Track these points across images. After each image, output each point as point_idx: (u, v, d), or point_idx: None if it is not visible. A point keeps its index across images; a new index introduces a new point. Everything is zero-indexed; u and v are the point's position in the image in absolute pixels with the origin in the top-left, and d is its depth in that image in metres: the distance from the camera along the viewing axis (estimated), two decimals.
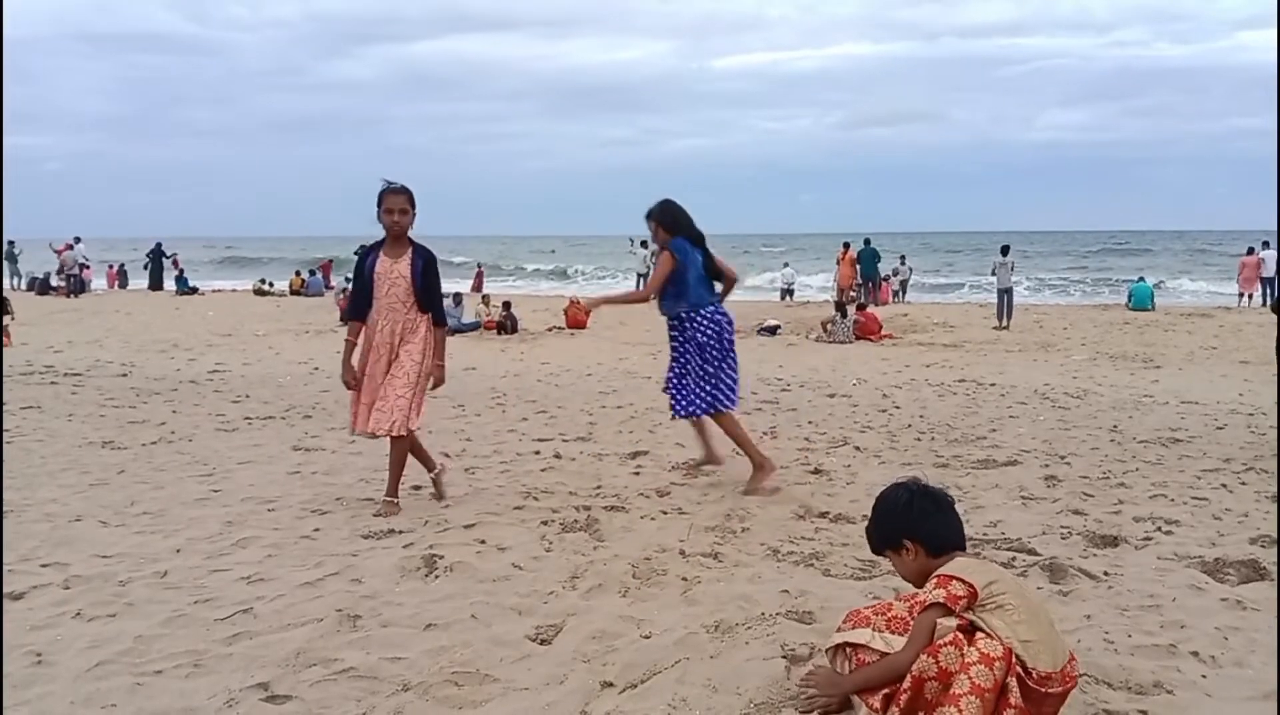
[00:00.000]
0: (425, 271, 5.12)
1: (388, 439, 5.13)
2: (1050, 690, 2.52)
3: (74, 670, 3.05)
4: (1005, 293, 20.53)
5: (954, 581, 2.61)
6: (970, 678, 2.43)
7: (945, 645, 2.52)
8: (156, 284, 31.38)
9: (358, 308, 5.24)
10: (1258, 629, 3.43)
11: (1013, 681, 2.46)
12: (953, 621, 2.59)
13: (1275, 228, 15.20)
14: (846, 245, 26.09)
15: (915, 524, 2.79)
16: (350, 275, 27.09)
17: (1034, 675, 2.50)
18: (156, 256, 31.99)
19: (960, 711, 2.39)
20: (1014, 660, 2.48)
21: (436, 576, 3.98)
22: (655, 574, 4.03)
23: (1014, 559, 4.30)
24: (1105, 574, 4.09)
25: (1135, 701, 2.84)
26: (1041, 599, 3.15)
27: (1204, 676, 3.03)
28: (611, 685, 2.96)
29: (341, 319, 20.86)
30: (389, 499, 5.14)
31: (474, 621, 3.47)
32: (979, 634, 2.55)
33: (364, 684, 2.96)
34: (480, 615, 3.53)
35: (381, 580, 3.93)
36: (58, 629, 3.41)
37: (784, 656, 3.10)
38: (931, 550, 2.77)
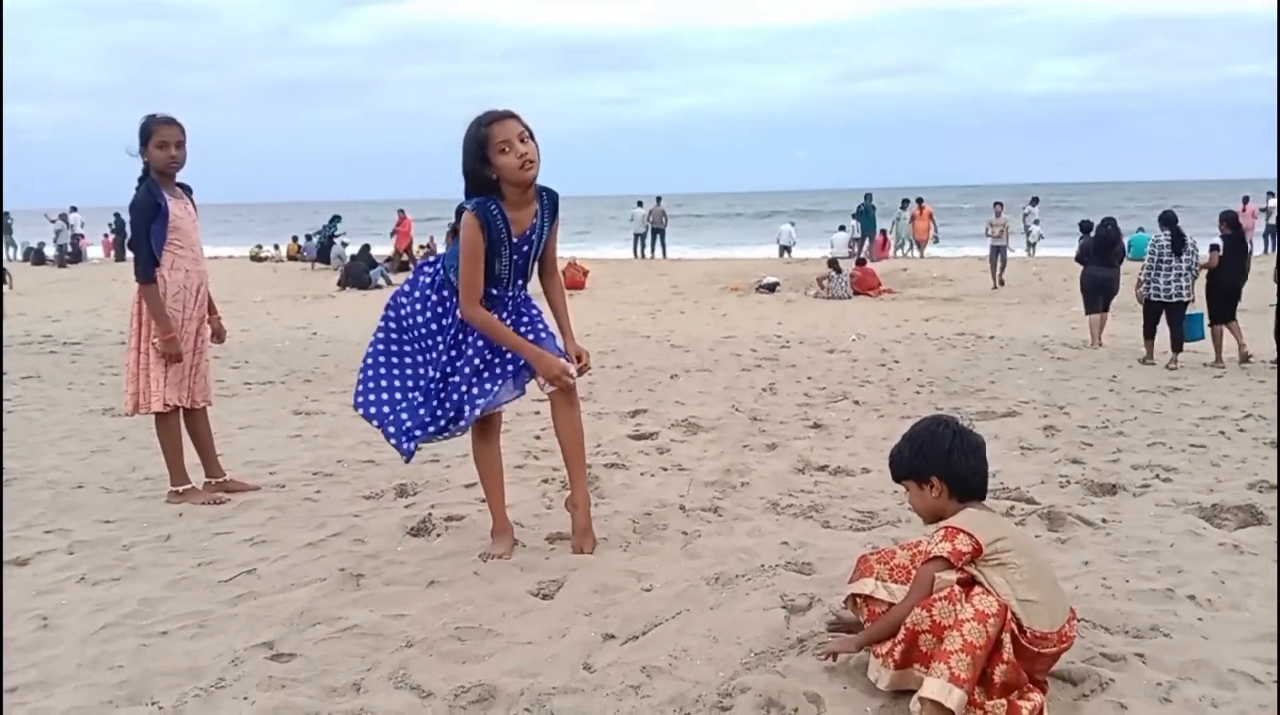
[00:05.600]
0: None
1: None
2: (1044, 650, 2.52)
3: (80, 633, 3.07)
4: (998, 251, 19.20)
5: (960, 535, 2.58)
6: (963, 635, 2.41)
7: (940, 600, 2.50)
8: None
9: None
10: (1254, 572, 3.46)
11: (1006, 638, 2.45)
12: (953, 575, 2.58)
13: (1276, 176, 15.09)
14: (920, 201, 26.21)
15: (951, 463, 2.69)
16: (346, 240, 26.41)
17: (1029, 634, 2.49)
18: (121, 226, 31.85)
19: (951, 669, 2.38)
20: (1009, 617, 2.47)
21: (438, 535, 4.00)
22: (656, 529, 4.05)
23: (1013, 508, 4.33)
24: (1103, 521, 4.11)
25: (1133, 645, 2.86)
26: (1048, 558, 3.14)
27: (1200, 620, 3.05)
28: (613, 637, 2.98)
29: (341, 284, 20.83)
30: None
31: (476, 578, 3.49)
32: (977, 588, 2.53)
33: (368, 641, 2.98)
34: (482, 572, 3.55)
35: (384, 540, 3.95)
36: (63, 593, 3.43)
37: (784, 607, 3.13)
38: (956, 493, 2.71)
